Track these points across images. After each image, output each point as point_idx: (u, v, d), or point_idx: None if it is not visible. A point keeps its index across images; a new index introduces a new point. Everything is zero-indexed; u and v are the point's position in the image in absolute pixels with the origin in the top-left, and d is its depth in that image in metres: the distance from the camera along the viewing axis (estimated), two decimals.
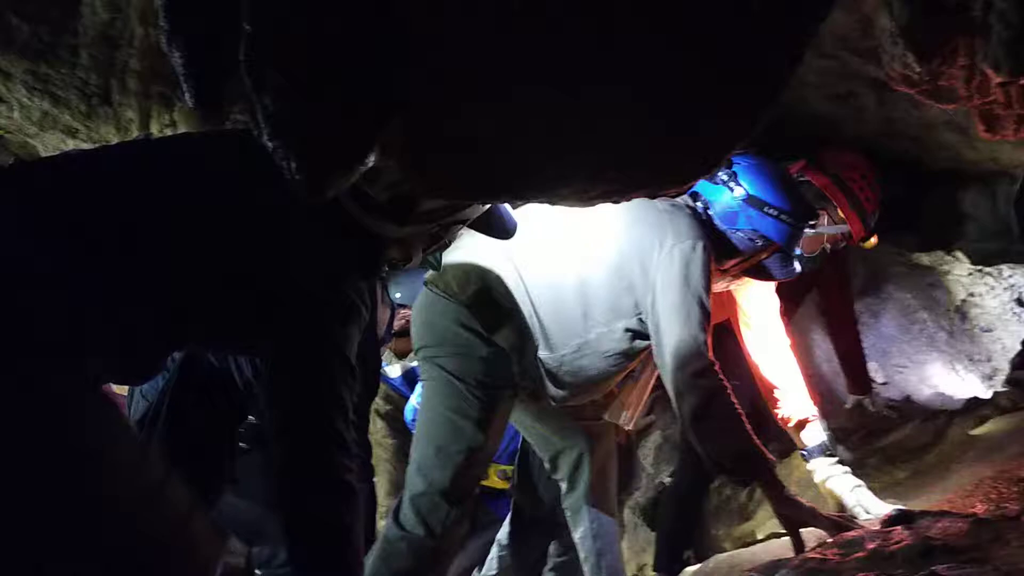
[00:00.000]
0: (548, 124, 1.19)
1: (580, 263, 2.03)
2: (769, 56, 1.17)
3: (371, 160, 1.26)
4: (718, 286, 2.15)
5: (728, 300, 2.35)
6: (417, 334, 2.13)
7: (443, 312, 2.07)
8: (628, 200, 1.29)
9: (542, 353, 2.04)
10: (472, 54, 1.16)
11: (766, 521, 2.61)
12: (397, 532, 2.05)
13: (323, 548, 1.38)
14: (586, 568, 2.35)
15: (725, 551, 2.44)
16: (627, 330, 2.02)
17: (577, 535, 2.35)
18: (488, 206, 1.55)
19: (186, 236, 1.34)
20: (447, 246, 1.60)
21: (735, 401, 1.92)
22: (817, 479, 2.18)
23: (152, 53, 2.10)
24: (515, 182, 1.23)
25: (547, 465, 2.35)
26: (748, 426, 1.90)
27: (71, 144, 2.44)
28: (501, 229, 1.62)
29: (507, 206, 1.62)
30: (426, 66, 1.20)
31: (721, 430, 1.90)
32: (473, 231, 1.59)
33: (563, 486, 2.34)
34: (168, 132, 2.33)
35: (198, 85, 1.29)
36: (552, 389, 2.08)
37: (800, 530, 1.86)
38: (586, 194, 1.22)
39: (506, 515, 2.66)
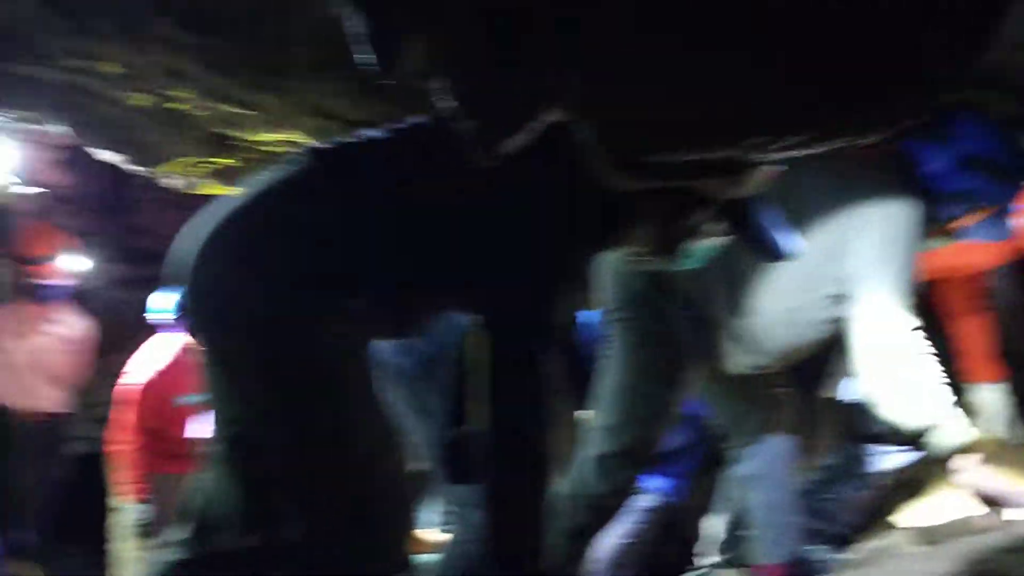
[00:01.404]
0: (731, 62, 1.13)
1: None
2: None
3: (547, 117, 1.24)
4: (932, 249, 2.05)
5: (942, 261, 2.23)
6: (609, 297, 2.11)
7: (638, 275, 2.04)
8: (825, 150, 1.22)
9: (739, 319, 2.00)
10: None
11: None
12: (577, 489, 2.10)
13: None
14: (755, 541, 2.29)
15: None
16: (830, 296, 1.95)
17: (747, 505, 2.30)
18: (742, 195, 1.49)
19: (445, 200, 1.47)
20: (691, 233, 1.56)
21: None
22: None
23: (320, 26, 2.14)
24: (697, 129, 1.19)
25: (730, 433, 2.31)
26: None
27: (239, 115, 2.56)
28: (765, 249, 1.57)
29: (780, 228, 1.56)
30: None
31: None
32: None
33: (742, 454, 2.28)
34: (330, 102, 2.40)
35: (375, 50, 1.31)
36: (748, 356, 2.05)
37: None
38: (779, 143, 1.16)
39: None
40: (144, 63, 2.40)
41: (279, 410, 1.47)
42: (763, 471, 2.22)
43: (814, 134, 1.17)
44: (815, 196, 1.93)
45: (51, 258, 3.90)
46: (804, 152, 1.22)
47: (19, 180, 2.92)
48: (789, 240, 1.56)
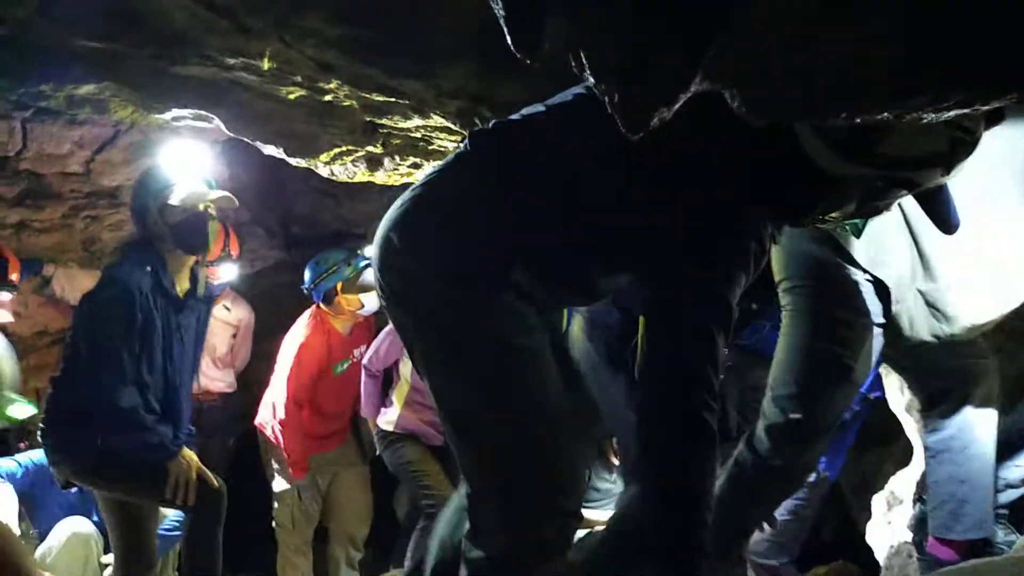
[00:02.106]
0: (888, 24, 1.07)
1: None
2: None
3: (694, 87, 1.21)
4: None
5: None
6: (779, 264, 2.07)
7: (812, 240, 2.00)
8: (993, 106, 1.14)
9: (922, 285, 1.93)
10: None
11: None
12: (750, 457, 2.11)
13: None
14: (938, 514, 2.19)
15: None
16: None
17: (935, 477, 2.20)
18: (943, 182, 1.50)
19: (621, 168, 1.52)
20: (879, 212, 1.57)
21: None
22: None
23: (460, 10, 2.16)
24: (856, 94, 1.13)
25: (920, 404, 2.23)
26: None
27: (388, 103, 2.62)
28: (944, 220, 1.57)
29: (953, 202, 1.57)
30: None
31: None
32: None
33: (934, 423, 2.19)
34: (472, 85, 2.42)
35: (519, 28, 1.31)
36: (935, 324, 1.98)
37: None
38: (942, 103, 1.09)
39: None
40: (296, 57, 2.50)
41: (462, 376, 1.58)
42: (955, 443, 2.12)
43: (983, 90, 1.09)
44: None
45: (228, 257, 4.13)
46: (970, 109, 1.15)
47: (211, 185, 3.07)
48: (958, 214, 1.56)
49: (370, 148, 3.24)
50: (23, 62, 2.84)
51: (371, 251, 4.37)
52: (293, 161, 3.35)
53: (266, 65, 2.57)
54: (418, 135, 3.03)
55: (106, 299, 2.94)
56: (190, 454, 2.98)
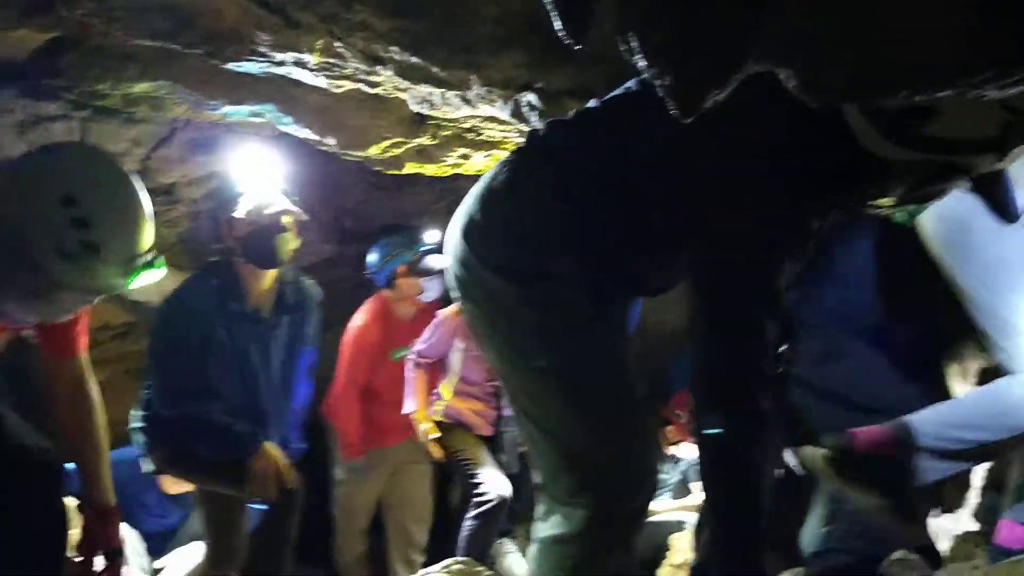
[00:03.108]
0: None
1: None
2: None
3: (747, 68, 1.19)
4: None
5: None
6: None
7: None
8: None
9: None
10: None
11: None
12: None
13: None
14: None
15: None
16: None
17: None
18: (1000, 168, 1.48)
19: (676, 161, 1.54)
20: (933, 197, 1.55)
21: None
22: None
23: (502, 0, 2.16)
24: (917, 71, 1.10)
25: None
26: None
27: (437, 94, 2.63)
28: (1004, 208, 1.58)
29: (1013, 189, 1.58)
30: None
31: None
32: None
33: None
34: (521, 74, 2.41)
35: (568, 12, 1.30)
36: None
37: None
38: (1007, 78, 1.05)
39: None
40: (345, 51, 2.51)
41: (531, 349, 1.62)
42: None
43: None
44: None
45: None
46: None
47: (286, 194, 3.11)
48: (1019, 202, 1.58)
49: (419, 140, 3.26)
50: (81, 62, 2.90)
51: (431, 236, 4.42)
52: (343, 154, 3.38)
53: (316, 59, 2.60)
54: (467, 125, 3.03)
55: (161, 314, 3.05)
56: (273, 450, 2.97)
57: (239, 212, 3.00)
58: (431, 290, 4.23)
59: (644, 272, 1.71)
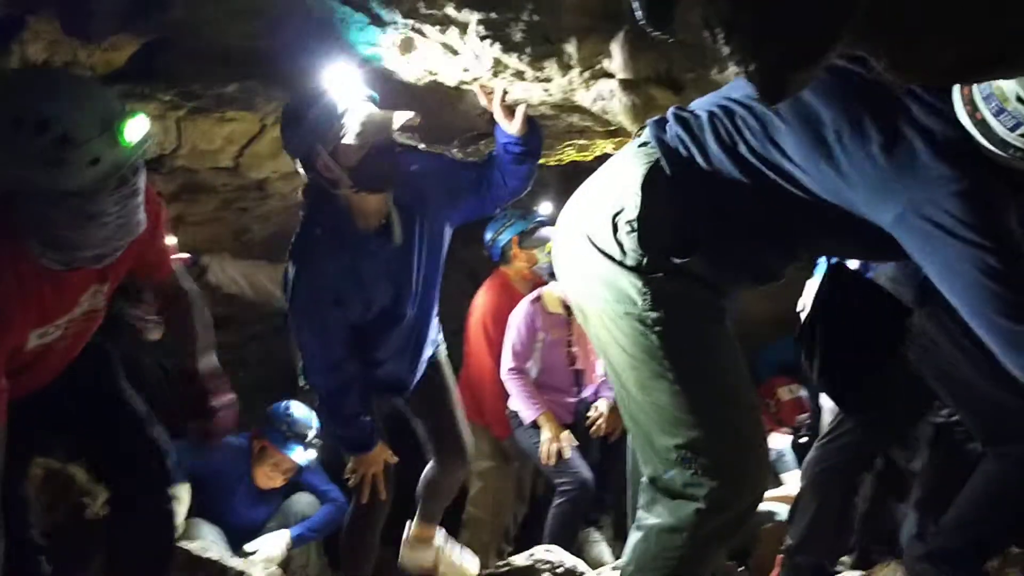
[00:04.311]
0: None
1: None
2: None
3: (836, 52, 1.17)
4: None
5: None
6: None
7: None
8: None
9: None
10: None
11: None
12: None
13: None
14: None
15: None
16: None
17: None
18: None
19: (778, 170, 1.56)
20: None
21: None
22: None
23: None
24: (1012, 53, 1.06)
25: None
26: None
27: (518, 85, 2.64)
28: None
29: None
30: None
31: None
32: None
33: None
34: (603, 62, 2.40)
35: (649, 7, 1.30)
36: None
37: None
38: None
39: None
40: (428, 44, 2.55)
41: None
42: None
43: None
44: None
45: None
46: None
47: (375, 100, 2.77)
48: None
49: None
50: (175, 65, 3.01)
51: (544, 209, 4.43)
52: (429, 148, 3.42)
53: (401, 54, 2.64)
54: (554, 113, 3.03)
55: (291, 296, 2.75)
56: (381, 453, 2.90)
57: (348, 137, 2.57)
58: (547, 261, 4.21)
59: (772, 266, 1.76)
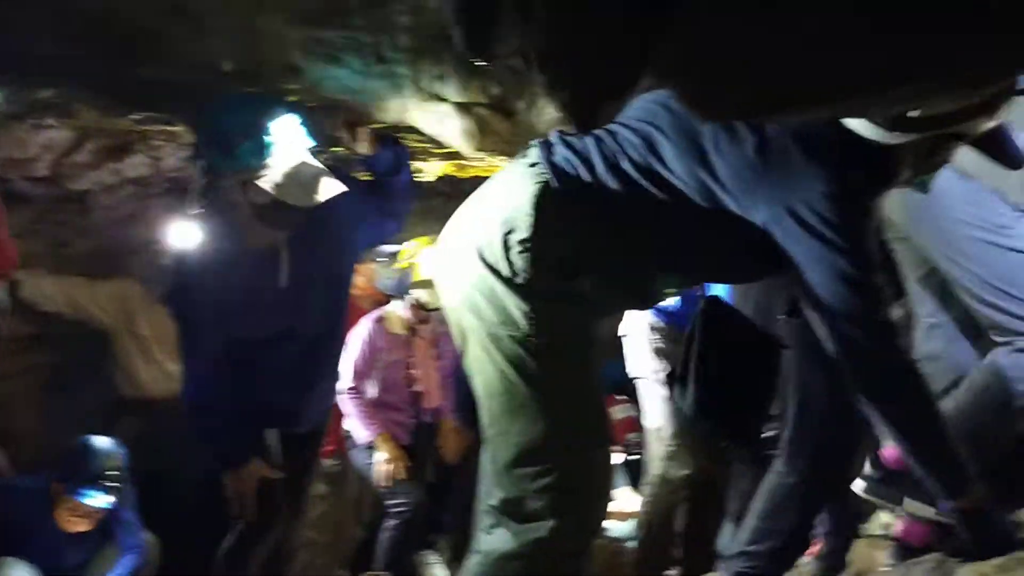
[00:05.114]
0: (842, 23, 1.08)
1: None
2: None
3: (641, 85, 1.22)
4: None
5: None
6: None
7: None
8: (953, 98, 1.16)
9: None
10: None
11: None
12: None
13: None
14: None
15: None
16: None
17: None
18: (995, 125, 1.52)
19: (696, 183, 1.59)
20: (940, 166, 1.59)
21: None
22: None
23: (420, 9, 2.16)
24: (812, 92, 1.14)
25: None
26: None
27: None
28: (1010, 155, 1.57)
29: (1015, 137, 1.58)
30: None
31: None
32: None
33: None
34: (437, 85, 2.42)
35: (469, 28, 1.31)
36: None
37: None
38: (897, 97, 1.10)
39: None
40: (259, 59, 2.49)
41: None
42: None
43: (942, 80, 1.11)
44: None
45: None
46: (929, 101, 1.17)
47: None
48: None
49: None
50: None
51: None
52: None
53: (227, 68, 2.56)
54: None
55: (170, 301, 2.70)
56: (256, 470, 2.71)
57: (265, 182, 2.42)
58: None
59: (657, 287, 1.79)
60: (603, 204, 1.64)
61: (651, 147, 1.61)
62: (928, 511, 1.93)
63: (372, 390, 4.01)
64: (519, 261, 1.62)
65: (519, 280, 1.62)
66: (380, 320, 4.09)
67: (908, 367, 1.62)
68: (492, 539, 1.67)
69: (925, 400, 1.64)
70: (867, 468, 2.03)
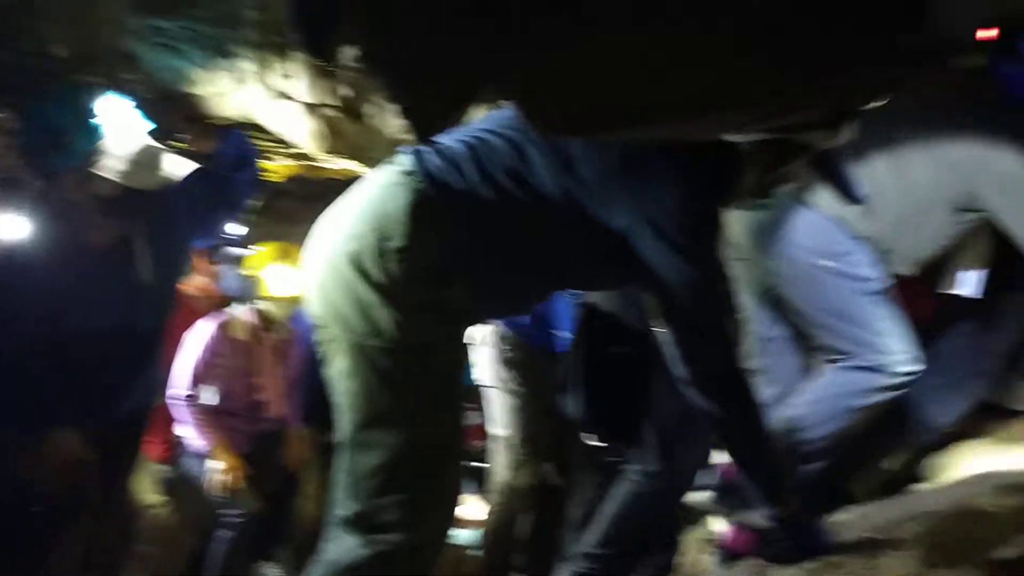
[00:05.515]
0: (670, 47, 1.12)
1: None
2: None
3: (480, 98, 1.22)
4: None
5: None
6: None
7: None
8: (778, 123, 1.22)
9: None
10: None
11: None
12: None
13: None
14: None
15: None
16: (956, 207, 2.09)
17: None
18: (836, 145, 1.58)
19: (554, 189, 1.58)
20: (783, 182, 1.64)
21: None
22: None
23: (267, 5, 2.11)
24: (640, 113, 1.17)
25: None
26: None
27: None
28: (846, 191, 1.66)
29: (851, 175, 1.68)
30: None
31: None
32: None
33: None
34: (284, 82, 2.36)
35: (309, 30, 1.28)
36: None
37: None
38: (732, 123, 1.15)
39: None
40: (97, 46, 2.36)
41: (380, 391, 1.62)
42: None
43: (776, 107, 1.16)
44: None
45: None
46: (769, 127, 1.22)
47: None
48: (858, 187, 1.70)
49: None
50: None
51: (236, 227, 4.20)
52: None
53: (61, 52, 2.42)
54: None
55: None
56: (64, 443, 2.53)
57: (106, 170, 2.33)
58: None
59: (529, 297, 1.78)
60: (476, 213, 1.63)
61: (521, 155, 1.62)
62: (760, 521, 2.01)
63: (211, 397, 3.85)
64: (394, 270, 1.59)
65: (392, 289, 1.60)
66: (223, 325, 3.94)
67: (742, 377, 1.69)
68: (339, 549, 1.64)
69: (754, 410, 1.71)
70: (708, 480, 2.09)
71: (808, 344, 2.23)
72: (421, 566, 1.66)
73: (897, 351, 2.05)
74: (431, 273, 1.60)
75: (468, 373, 3.60)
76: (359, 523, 1.63)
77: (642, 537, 2.26)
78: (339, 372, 1.67)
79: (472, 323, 1.74)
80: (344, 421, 1.66)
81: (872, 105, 1.44)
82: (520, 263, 1.67)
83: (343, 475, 1.68)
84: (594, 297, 2.33)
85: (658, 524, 2.29)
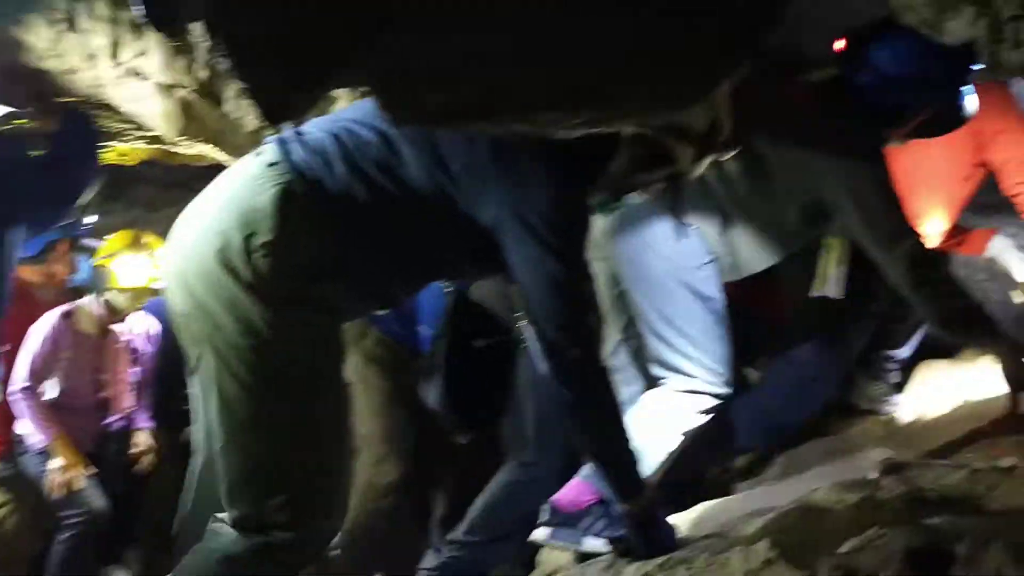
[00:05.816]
0: (518, 44, 1.11)
1: None
2: None
3: (334, 84, 1.18)
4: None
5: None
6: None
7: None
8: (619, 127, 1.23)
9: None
10: None
11: None
12: None
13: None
14: None
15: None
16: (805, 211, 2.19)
17: None
18: (694, 172, 1.62)
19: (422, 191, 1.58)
20: (641, 187, 1.67)
21: None
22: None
23: None
24: (489, 106, 1.16)
25: None
26: None
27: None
28: (679, 215, 1.81)
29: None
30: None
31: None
32: None
33: None
34: (139, 61, 2.23)
35: (152, 2, 1.21)
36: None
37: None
38: (570, 120, 1.15)
39: None
40: None
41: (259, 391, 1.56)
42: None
43: (608, 109, 1.17)
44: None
45: None
46: (602, 128, 1.23)
47: None
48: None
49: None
50: None
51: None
52: None
53: None
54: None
55: None
56: None
57: None
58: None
59: (398, 291, 1.74)
60: (345, 206, 1.58)
61: (390, 147, 1.59)
62: (605, 548, 2.04)
63: (51, 391, 3.63)
64: (261, 265, 1.52)
65: (260, 285, 1.52)
66: (68, 316, 3.71)
67: (601, 374, 1.71)
68: (218, 540, 1.57)
69: (611, 406, 1.74)
70: (543, 516, 2.09)
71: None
72: (303, 559, 1.62)
73: (721, 374, 2.11)
74: (300, 269, 1.54)
75: (343, 369, 3.55)
76: (242, 524, 1.56)
77: (511, 526, 2.26)
78: (207, 372, 1.59)
79: (344, 318, 1.69)
80: (216, 424, 1.58)
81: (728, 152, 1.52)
82: (390, 256, 1.64)
83: (229, 475, 1.61)
84: (464, 287, 2.34)
85: (528, 514, 2.30)
